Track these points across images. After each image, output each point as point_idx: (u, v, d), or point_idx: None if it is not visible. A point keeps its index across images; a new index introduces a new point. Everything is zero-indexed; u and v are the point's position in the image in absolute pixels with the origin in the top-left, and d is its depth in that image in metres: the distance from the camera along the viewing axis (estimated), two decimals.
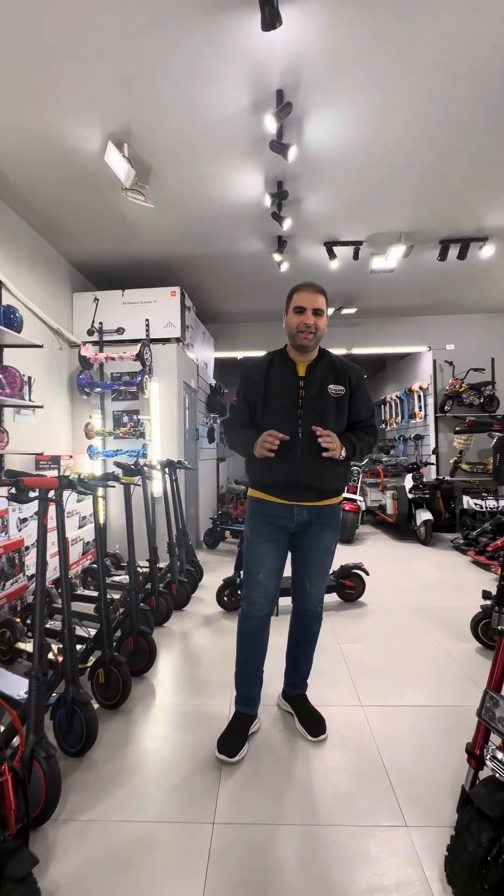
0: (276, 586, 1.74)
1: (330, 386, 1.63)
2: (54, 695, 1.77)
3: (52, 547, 3.23)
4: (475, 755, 1.15)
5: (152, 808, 1.41)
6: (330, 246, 3.91)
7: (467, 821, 1.06)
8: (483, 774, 1.18)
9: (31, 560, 2.89)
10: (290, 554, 1.78)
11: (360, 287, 5.04)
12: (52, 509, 1.61)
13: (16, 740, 1.40)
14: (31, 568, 2.91)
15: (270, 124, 2.33)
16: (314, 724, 1.76)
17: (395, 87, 2.28)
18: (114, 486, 2.04)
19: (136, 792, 1.48)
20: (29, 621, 2.65)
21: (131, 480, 2.33)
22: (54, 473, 3.10)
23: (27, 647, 2.29)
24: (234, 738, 1.66)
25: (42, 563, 1.59)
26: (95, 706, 1.94)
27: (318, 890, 1.15)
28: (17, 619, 2.45)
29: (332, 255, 3.96)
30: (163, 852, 1.26)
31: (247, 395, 1.71)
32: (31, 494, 1.40)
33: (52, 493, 1.63)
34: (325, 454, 1.53)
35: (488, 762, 1.11)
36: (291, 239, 3.81)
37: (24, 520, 2.90)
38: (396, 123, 2.54)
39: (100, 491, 3.69)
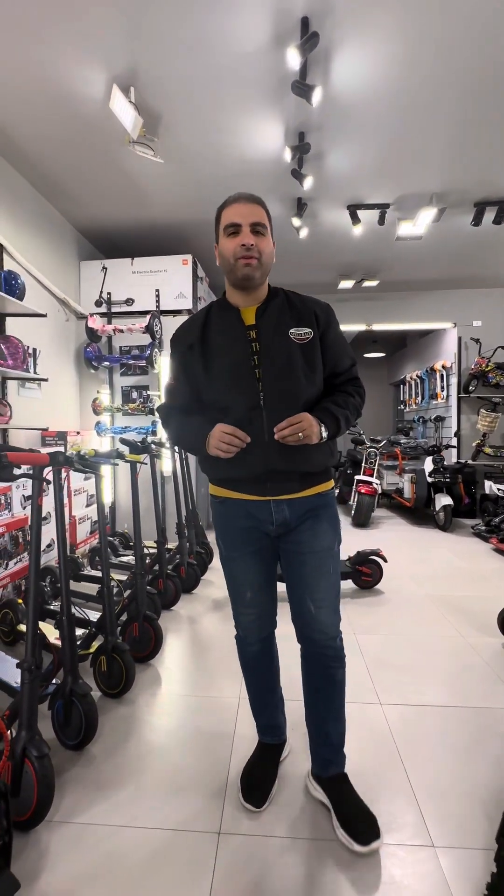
0: (271, 601, 1.37)
1: (291, 330, 1.21)
2: (55, 682, 1.67)
3: None
4: None
5: (154, 812, 1.30)
6: (354, 209, 3.61)
7: None
8: None
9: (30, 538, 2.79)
10: (280, 564, 1.36)
11: (383, 257, 4.72)
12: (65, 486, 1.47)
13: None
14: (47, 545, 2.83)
15: (294, 59, 2.06)
16: (361, 824, 1.19)
17: (433, 22, 1.99)
18: (117, 465, 1.89)
19: (138, 793, 1.37)
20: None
21: (137, 458, 2.18)
22: (60, 450, 2.99)
23: None
24: (260, 778, 1.36)
25: (36, 546, 1.46)
26: (98, 695, 1.85)
27: None
28: (20, 601, 2.36)
29: (355, 219, 3.66)
30: (164, 863, 1.15)
31: (184, 365, 1.28)
32: (22, 471, 1.25)
33: (48, 472, 1.49)
34: (291, 443, 1.12)
35: None
36: (312, 201, 3.53)
37: (29, 497, 2.80)
38: (432, 66, 2.25)
39: (107, 469, 3.58)
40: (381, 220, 3.68)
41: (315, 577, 1.25)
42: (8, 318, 2.99)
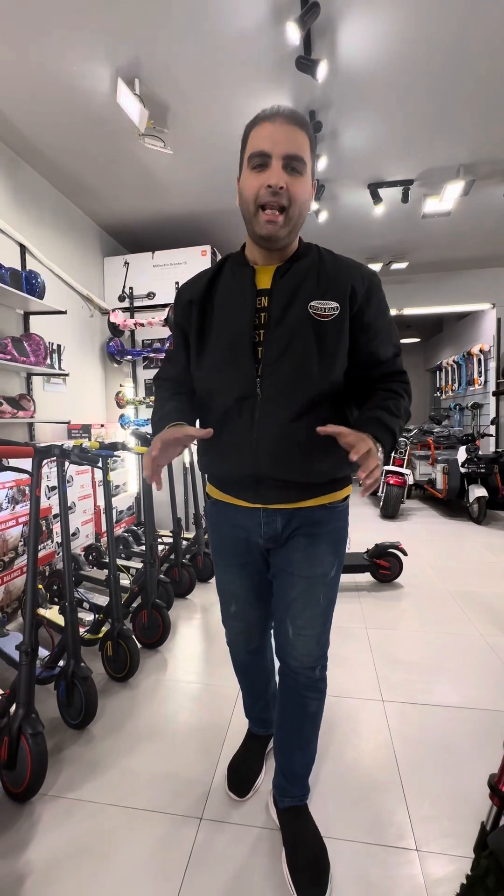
0: (258, 617, 1.22)
1: (313, 302, 0.93)
2: (61, 663, 1.75)
3: (84, 515, 3.29)
4: (499, 791, 0.94)
5: (142, 793, 1.35)
6: (374, 188, 3.45)
7: (483, 872, 0.87)
8: None
9: (59, 528, 2.93)
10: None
11: (411, 237, 4.49)
12: (87, 477, 1.52)
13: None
14: (59, 535, 2.97)
15: (294, 34, 1.98)
16: (308, 873, 1.05)
17: None
18: (119, 457, 1.93)
19: (129, 774, 1.42)
20: (55, 587, 2.71)
21: (143, 451, 2.21)
22: (85, 443, 3.10)
23: (47, 613, 2.32)
24: (248, 768, 1.35)
25: (35, 535, 1.52)
26: (105, 679, 1.92)
27: None
28: (41, 586, 2.49)
29: (376, 198, 3.50)
30: (144, 845, 1.18)
31: (181, 325, 1.06)
32: (16, 464, 1.31)
33: (45, 463, 1.54)
34: (372, 488, 0.85)
35: None
36: (329, 183, 3.40)
37: (53, 488, 2.93)
38: (452, 25, 2.08)
39: (133, 462, 3.66)
40: (405, 198, 3.49)
41: (300, 603, 1.05)
42: (32, 316, 3.11)
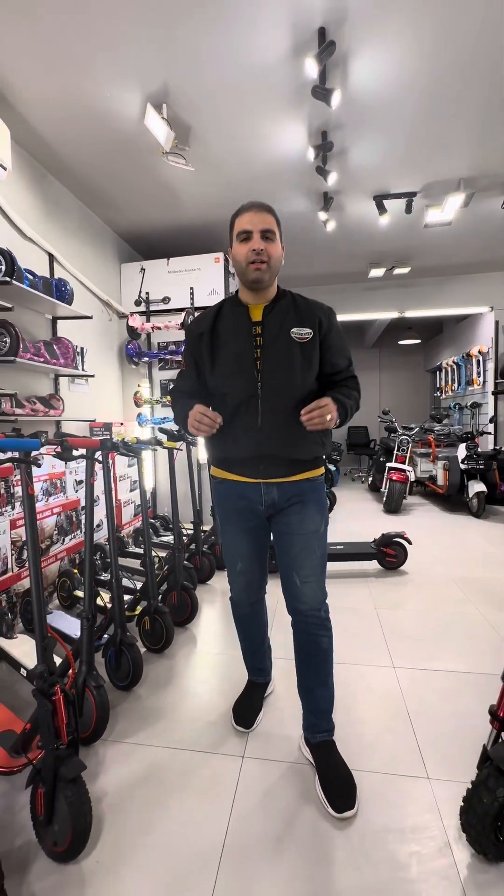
0: (260, 572, 1.55)
1: (293, 329, 1.33)
2: (106, 636, 1.96)
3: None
4: (498, 717, 1.15)
5: (189, 738, 1.56)
6: (380, 199, 3.67)
7: (485, 776, 1.08)
8: None
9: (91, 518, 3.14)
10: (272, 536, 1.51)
11: (413, 244, 4.71)
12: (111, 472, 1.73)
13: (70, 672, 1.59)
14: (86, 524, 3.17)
15: (312, 68, 2.19)
16: (339, 791, 1.28)
17: (448, 14, 2.05)
18: (156, 450, 2.14)
19: (176, 724, 1.63)
20: None
21: (173, 445, 2.43)
22: (108, 437, 3.31)
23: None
24: (249, 707, 1.64)
25: (90, 517, 1.73)
26: (143, 650, 2.13)
27: (334, 823, 1.23)
28: (76, 571, 2.70)
29: (382, 209, 3.72)
30: (196, 777, 1.40)
31: (193, 352, 1.42)
32: (76, 453, 1.52)
33: (98, 455, 1.75)
34: (317, 427, 1.22)
35: None
36: (338, 195, 3.62)
37: (81, 482, 3.13)
38: (451, 55, 2.30)
39: (148, 457, 3.87)
40: (409, 209, 3.71)
41: (302, 556, 1.38)
42: (59, 321, 3.32)
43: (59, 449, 1.39)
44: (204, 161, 3.14)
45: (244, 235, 1.31)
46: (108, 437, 3.23)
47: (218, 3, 1.99)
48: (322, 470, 1.45)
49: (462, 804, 1.13)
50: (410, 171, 3.37)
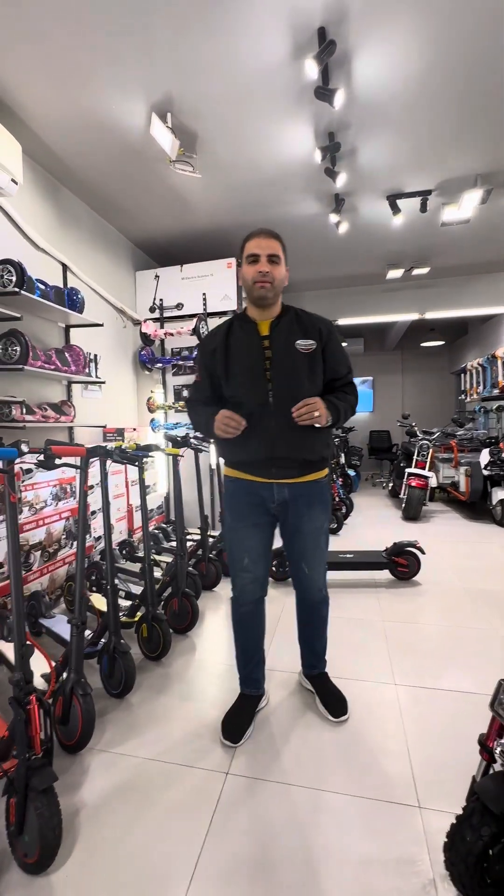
0: (264, 569, 1.66)
1: (298, 342, 1.47)
2: (103, 641, 1.97)
3: (117, 513, 3.54)
4: (487, 747, 1.08)
5: (175, 750, 1.53)
6: (393, 199, 3.57)
7: (469, 812, 1.01)
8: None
9: (96, 523, 3.18)
10: (280, 535, 1.68)
11: (431, 244, 4.57)
12: (121, 478, 1.74)
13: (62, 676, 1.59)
14: (97, 530, 3.22)
15: (312, 69, 2.15)
16: (335, 704, 1.69)
17: (453, 8, 1.97)
18: (153, 458, 2.14)
19: (164, 735, 1.61)
20: (93, 577, 2.95)
21: (175, 452, 2.42)
22: (104, 444, 3.35)
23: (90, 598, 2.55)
24: (238, 722, 1.61)
25: (83, 526, 1.74)
26: (141, 657, 2.13)
27: (313, 852, 1.17)
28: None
29: (395, 209, 3.62)
30: (177, 791, 1.37)
31: (207, 366, 1.56)
32: (64, 462, 1.53)
33: (93, 462, 1.76)
34: (306, 422, 1.38)
35: (497, 756, 1.03)
36: (349, 196, 3.55)
37: (91, 486, 3.18)
38: (459, 50, 2.21)
39: (163, 463, 3.89)
40: (423, 208, 3.60)
41: (310, 549, 1.63)
42: (72, 329, 3.39)
43: (40, 458, 1.40)
44: (212, 168, 3.14)
45: (252, 258, 1.48)
46: (121, 444, 3.28)
47: (216, 11, 1.98)
48: (326, 471, 1.63)
49: (445, 839, 1.05)
50: (423, 169, 3.27)
